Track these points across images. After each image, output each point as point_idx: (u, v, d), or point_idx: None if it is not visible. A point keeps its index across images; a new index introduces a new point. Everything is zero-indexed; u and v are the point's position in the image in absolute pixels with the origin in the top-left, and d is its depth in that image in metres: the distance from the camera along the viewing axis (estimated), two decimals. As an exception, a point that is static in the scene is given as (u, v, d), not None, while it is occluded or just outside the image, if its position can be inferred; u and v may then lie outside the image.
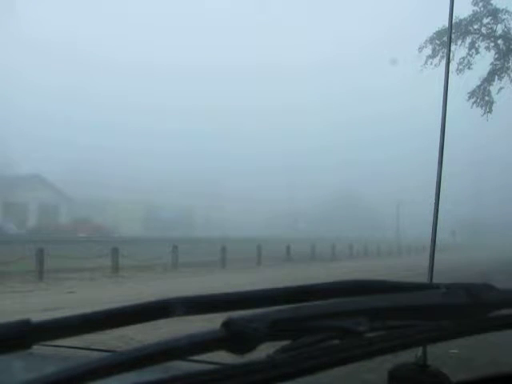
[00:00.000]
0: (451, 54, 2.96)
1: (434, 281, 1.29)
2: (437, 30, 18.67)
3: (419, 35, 20.10)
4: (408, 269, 15.56)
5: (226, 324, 0.60)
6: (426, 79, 20.38)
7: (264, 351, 0.64)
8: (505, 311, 0.80)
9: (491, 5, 18.78)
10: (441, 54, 18.18)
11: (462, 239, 59.85)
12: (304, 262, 23.69)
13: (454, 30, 16.93)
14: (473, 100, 19.31)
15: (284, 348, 0.66)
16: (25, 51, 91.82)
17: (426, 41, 19.00)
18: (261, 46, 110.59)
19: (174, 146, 78.35)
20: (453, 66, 16.76)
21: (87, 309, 0.65)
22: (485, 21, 19.00)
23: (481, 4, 18.80)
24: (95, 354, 1.54)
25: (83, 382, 0.54)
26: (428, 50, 18.95)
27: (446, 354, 4.72)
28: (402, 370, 0.92)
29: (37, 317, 0.61)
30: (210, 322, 0.71)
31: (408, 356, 1.00)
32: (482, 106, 19.33)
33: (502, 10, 18.76)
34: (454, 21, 15.00)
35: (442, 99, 1.86)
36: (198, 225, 65.38)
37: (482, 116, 19.42)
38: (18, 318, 0.58)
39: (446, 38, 17.50)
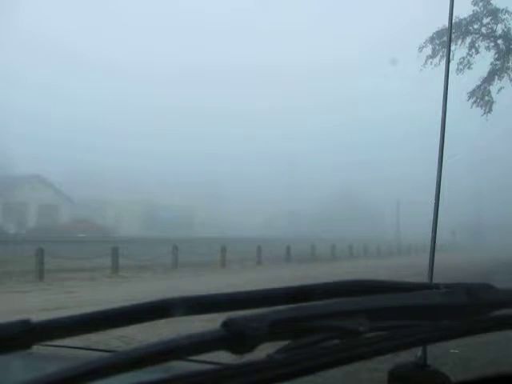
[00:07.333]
0: (451, 54, 2.96)
1: (434, 281, 1.29)
2: (437, 29, 18.65)
3: (419, 35, 20.10)
4: (408, 269, 15.56)
5: (226, 324, 0.60)
6: (426, 79, 20.37)
7: (264, 351, 0.64)
8: (505, 311, 0.80)
9: (491, 5, 18.75)
10: (441, 53, 18.16)
11: (462, 239, 59.79)
12: (304, 262, 23.68)
13: (454, 30, 16.91)
14: (473, 100, 19.29)
15: (284, 348, 0.66)
16: (25, 52, 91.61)
17: (426, 41, 18.98)
18: (261, 47, 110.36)
19: (174, 147, 78.30)
20: (453, 66, 16.75)
21: (87, 309, 0.65)
22: (485, 21, 18.97)
23: (481, 4, 18.78)
24: (95, 354, 1.54)
25: (83, 382, 0.54)
26: (428, 50, 18.92)
27: (446, 354, 4.72)
28: (401, 370, 0.92)
29: (37, 317, 0.61)
30: (210, 322, 0.71)
31: (408, 356, 1.00)
32: (481, 106, 19.30)
33: (502, 10, 18.74)
34: (454, 21, 15.00)
35: (442, 99, 1.86)
36: (197, 225, 65.28)
37: (482, 116, 19.44)
38: (17, 318, 0.58)
39: (446, 38, 17.51)
